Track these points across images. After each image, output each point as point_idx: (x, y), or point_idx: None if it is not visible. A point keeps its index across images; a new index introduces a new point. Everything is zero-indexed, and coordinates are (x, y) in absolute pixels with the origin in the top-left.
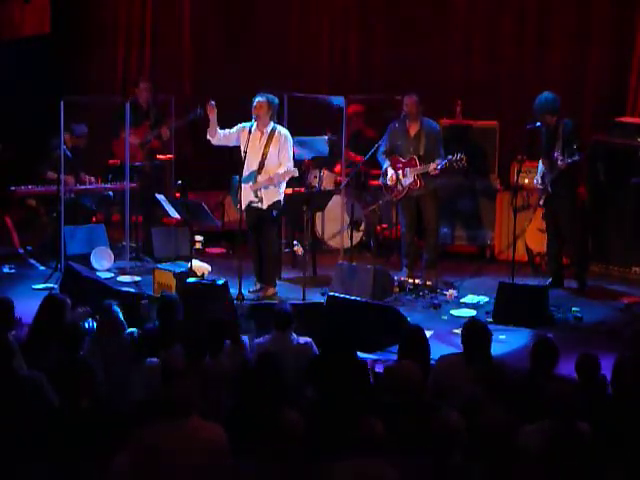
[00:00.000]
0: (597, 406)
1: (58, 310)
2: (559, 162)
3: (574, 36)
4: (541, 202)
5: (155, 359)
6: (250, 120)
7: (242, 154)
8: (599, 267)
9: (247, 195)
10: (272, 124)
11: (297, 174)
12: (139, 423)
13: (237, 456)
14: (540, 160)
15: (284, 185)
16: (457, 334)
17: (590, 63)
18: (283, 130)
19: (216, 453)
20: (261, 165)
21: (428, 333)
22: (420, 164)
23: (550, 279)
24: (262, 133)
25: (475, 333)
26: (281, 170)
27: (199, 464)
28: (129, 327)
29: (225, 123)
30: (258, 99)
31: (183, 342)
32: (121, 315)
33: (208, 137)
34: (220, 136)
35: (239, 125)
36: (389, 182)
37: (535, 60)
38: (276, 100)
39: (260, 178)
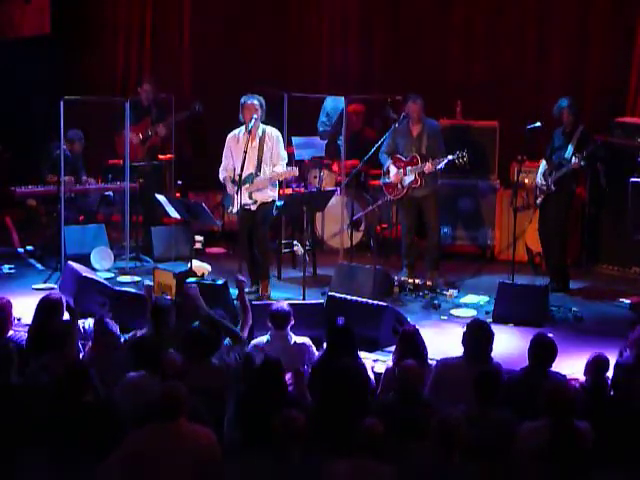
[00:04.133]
0: (599, 406)
1: (54, 311)
2: (573, 160)
3: (574, 36)
4: (538, 201)
5: (136, 373)
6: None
7: (242, 155)
8: (599, 267)
9: (242, 198)
10: (262, 126)
11: (297, 173)
12: (131, 426)
13: (235, 455)
14: (543, 160)
15: (277, 186)
16: (457, 334)
17: (590, 63)
18: (274, 131)
19: (205, 455)
20: (258, 167)
21: (429, 333)
22: (421, 163)
23: (548, 280)
24: (255, 136)
25: (477, 333)
26: (279, 169)
27: (186, 466)
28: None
29: (224, 123)
30: (251, 101)
31: (179, 345)
32: (116, 328)
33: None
34: (229, 167)
35: (228, 140)
36: (393, 178)
37: (535, 60)
38: (264, 101)
39: (257, 180)
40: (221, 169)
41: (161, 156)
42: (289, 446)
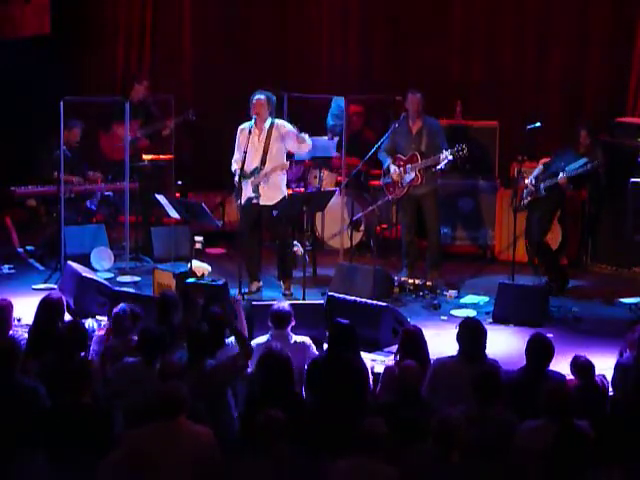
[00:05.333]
0: (596, 406)
1: (55, 311)
2: (559, 177)
3: (574, 36)
4: (525, 202)
5: (133, 359)
6: (248, 119)
7: (242, 153)
8: (598, 267)
9: (247, 191)
10: (270, 119)
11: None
12: (131, 424)
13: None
14: (541, 163)
15: (285, 181)
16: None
17: (590, 63)
18: (281, 121)
19: (204, 454)
20: (263, 161)
21: (429, 333)
22: (421, 160)
23: (546, 279)
24: (261, 130)
25: (471, 332)
26: (305, 146)
27: (186, 465)
28: None
29: (224, 123)
30: (257, 97)
31: (183, 342)
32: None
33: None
34: (239, 160)
35: (238, 133)
36: (394, 176)
37: (535, 60)
38: (274, 97)
39: (262, 172)
40: (233, 161)
41: (162, 156)
42: (273, 445)
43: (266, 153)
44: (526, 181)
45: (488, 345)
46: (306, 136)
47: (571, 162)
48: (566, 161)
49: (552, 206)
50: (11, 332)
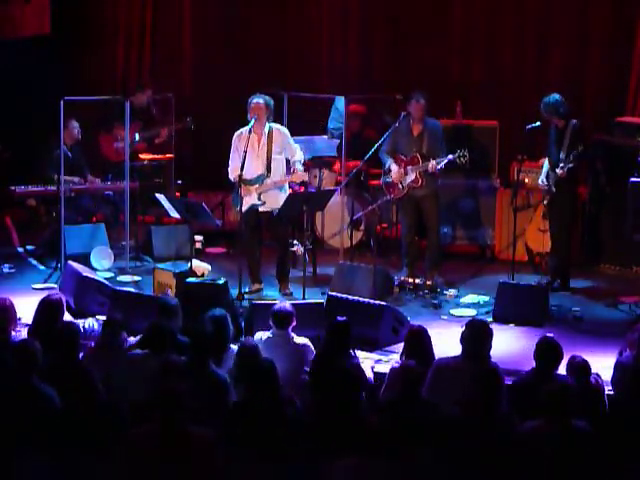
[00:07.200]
0: (593, 406)
1: (54, 312)
2: (558, 170)
3: (574, 36)
4: (545, 201)
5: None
6: (247, 120)
7: (242, 154)
8: (599, 267)
9: (250, 197)
10: (268, 124)
11: (306, 177)
12: (132, 424)
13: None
14: (546, 160)
15: (287, 187)
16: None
17: (590, 63)
18: (279, 127)
19: (204, 455)
20: (268, 168)
21: (430, 333)
22: (422, 162)
23: (548, 278)
24: (260, 135)
25: (476, 333)
26: (297, 157)
27: (186, 466)
28: None
29: (224, 123)
30: (256, 100)
31: (182, 345)
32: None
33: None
34: (238, 166)
35: (234, 140)
36: (394, 177)
37: (535, 60)
38: (272, 101)
39: (268, 181)
40: (230, 170)
41: (161, 156)
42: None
43: (269, 159)
44: (539, 183)
45: None
46: (297, 148)
47: (554, 139)
48: (551, 138)
49: (567, 202)
50: (16, 332)
